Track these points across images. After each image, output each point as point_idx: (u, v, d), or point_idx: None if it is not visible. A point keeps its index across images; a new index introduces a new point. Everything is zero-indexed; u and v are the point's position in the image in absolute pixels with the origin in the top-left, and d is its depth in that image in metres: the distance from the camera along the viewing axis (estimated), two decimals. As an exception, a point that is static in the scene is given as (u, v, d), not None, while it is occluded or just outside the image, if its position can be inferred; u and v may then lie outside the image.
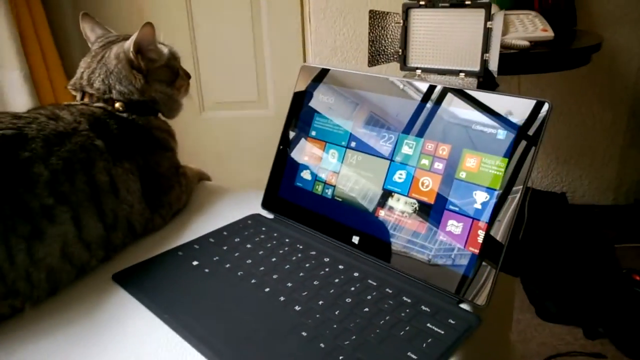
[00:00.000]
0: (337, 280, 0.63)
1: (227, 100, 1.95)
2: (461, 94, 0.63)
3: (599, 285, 1.54)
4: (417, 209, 0.64)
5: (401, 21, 1.01)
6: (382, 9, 1.03)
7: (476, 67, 0.96)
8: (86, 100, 0.80)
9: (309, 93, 0.79)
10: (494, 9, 0.93)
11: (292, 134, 0.80)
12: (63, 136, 0.67)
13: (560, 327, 1.47)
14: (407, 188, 0.65)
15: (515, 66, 1.22)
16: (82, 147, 0.68)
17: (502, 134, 0.59)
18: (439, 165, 0.63)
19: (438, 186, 0.63)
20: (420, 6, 0.99)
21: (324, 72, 0.78)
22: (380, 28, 1.05)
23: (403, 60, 1.03)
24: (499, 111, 0.60)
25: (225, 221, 0.79)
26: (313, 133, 0.77)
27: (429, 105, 0.66)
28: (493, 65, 0.93)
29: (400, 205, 0.66)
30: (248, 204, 0.84)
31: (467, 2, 0.93)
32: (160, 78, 0.84)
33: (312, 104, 0.78)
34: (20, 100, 1.49)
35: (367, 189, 0.70)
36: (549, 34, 1.27)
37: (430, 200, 0.63)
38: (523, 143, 0.57)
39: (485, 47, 0.93)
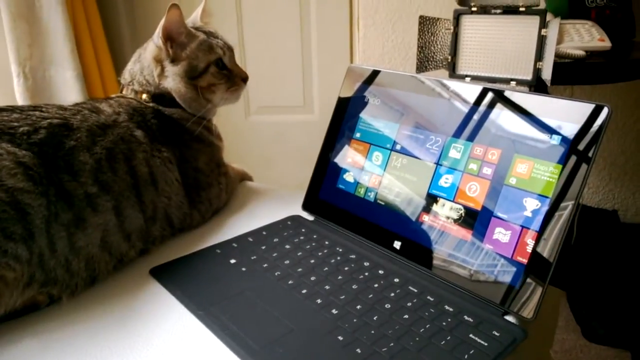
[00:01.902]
0: (376, 285, 0.61)
1: (273, 105, 1.96)
2: (514, 97, 0.61)
3: (650, 308, 1.46)
4: (463, 215, 0.62)
5: (451, 27, 0.99)
6: (432, 16, 1.01)
7: (528, 76, 0.93)
8: (124, 92, 0.81)
9: (355, 94, 0.78)
10: (549, 16, 0.90)
11: (336, 136, 0.79)
12: (105, 127, 0.68)
13: (607, 349, 1.40)
14: (453, 193, 0.63)
15: (569, 76, 1.18)
16: (122, 139, 0.69)
17: (557, 139, 0.56)
18: (488, 170, 0.61)
19: (486, 192, 0.60)
20: (471, 12, 0.97)
21: (370, 74, 0.77)
22: (429, 34, 1.03)
23: (452, 67, 1.01)
24: (554, 115, 0.57)
25: (265, 221, 0.79)
26: (357, 135, 0.76)
27: (479, 108, 0.63)
28: (546, 74, 0.90)
29: (445, 211, 0.63)
30: (288, 205, 0.83)
31: (520, 9, 0.91)
32: (177, 71, 0.77)
33: (358, 105, 0.77)
34: (72, 99, 1.53)
35: (411, 193, 0.68)
36: (606, 44, 1.22)
37: (477, 206, 0.61)
38: (579, 149, 0.54)
39: (539, 56, 0.90)
